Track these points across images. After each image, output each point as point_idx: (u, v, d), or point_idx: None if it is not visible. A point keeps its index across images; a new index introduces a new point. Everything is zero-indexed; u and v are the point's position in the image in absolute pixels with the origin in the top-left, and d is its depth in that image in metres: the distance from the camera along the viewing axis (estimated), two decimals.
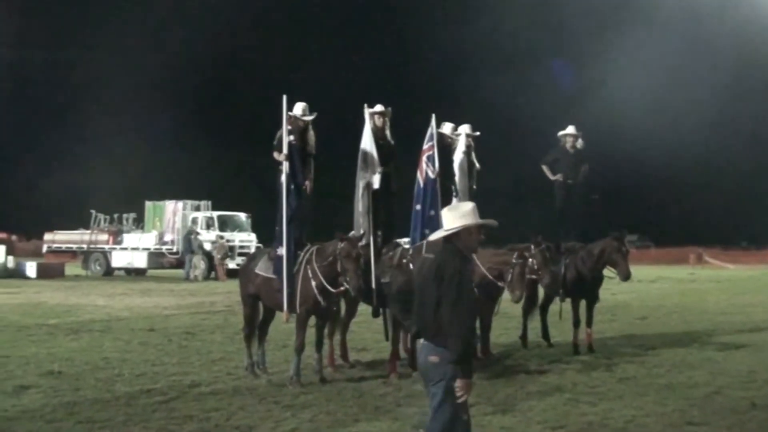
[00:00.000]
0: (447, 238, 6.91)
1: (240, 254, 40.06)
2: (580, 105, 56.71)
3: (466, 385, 6.49)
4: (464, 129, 15.33)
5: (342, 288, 11.91)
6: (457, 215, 6.94)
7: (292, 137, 12.64)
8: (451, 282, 6.58)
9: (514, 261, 12.94)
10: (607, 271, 15.44)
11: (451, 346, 6.46)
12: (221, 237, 41.16)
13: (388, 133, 13.93)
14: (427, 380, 6.80)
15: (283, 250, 12.23)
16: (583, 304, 15.51)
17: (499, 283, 13.14)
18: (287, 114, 12.69)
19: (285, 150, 12.50)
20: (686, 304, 26.07)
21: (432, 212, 13.67)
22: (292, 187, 12.46)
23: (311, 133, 13.25)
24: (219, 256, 40.44)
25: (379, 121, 13.81)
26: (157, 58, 74.57)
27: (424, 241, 12.60)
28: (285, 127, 12.60)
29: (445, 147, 14.74)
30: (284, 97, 12.61)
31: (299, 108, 13.06)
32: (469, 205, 7.13)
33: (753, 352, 15.23)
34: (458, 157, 15.01)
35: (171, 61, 73.71)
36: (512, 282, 12.90)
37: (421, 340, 6.88)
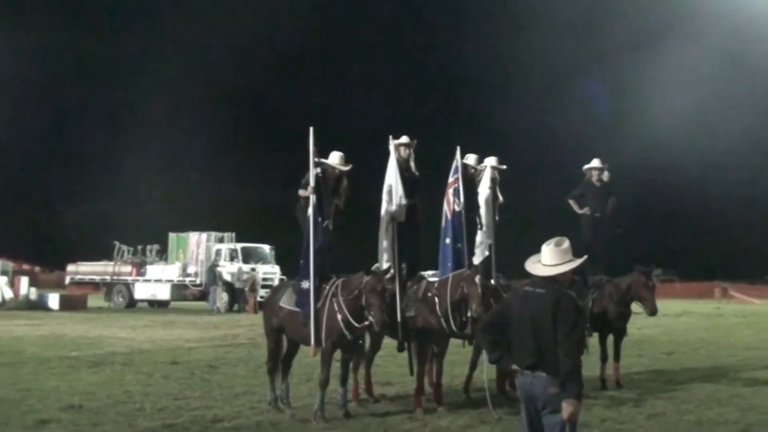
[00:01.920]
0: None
1: (263, 286, 40.07)
2: (615, 131, 56.54)
3: (573, 405, 6.92)
4: (490, 161, 15.24)
5: (367, 322, 11.79)
6: (560, 252, 7.36)
7: (319, 170, 12.56)
8: (569, 316, 7.08)
9: None
10: (634, 306, 15.34)
11: (565, 371, 6.96)
12: (253, 269, 41.19)
13: (412, 164, 13.84)
14: (540, 409, 7.16)
15: (308, 284, 12.14)
16: (610, 338, 15.39)
17: None
18: (319, 162, 12.61)
19: (312, 182, 12.42)
20: (713, 338, 25.81)
21: (459, 245, 13.59)
22: (319, 220, 12.37)
23: (345, 184, 13.21)
24: (248, 288, 40.44)
25: (404, 153, 13.72)
26: (185, 90, 75.01)
27: (471, 274, 12.46)
28: (312, 159, 12.52)
29: (469, 178, 14.66)
30: (311, 129, 12.54)
31: (336, 157, 13.05)
32: (566, 242, 7.45)
33: None
34: (483, 190, 14.89)
35: (197, 92, 74.10)
36: None
37: (528, 372, 7.19)
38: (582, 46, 71.47)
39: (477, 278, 12.27)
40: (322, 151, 12.77)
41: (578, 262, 7.44)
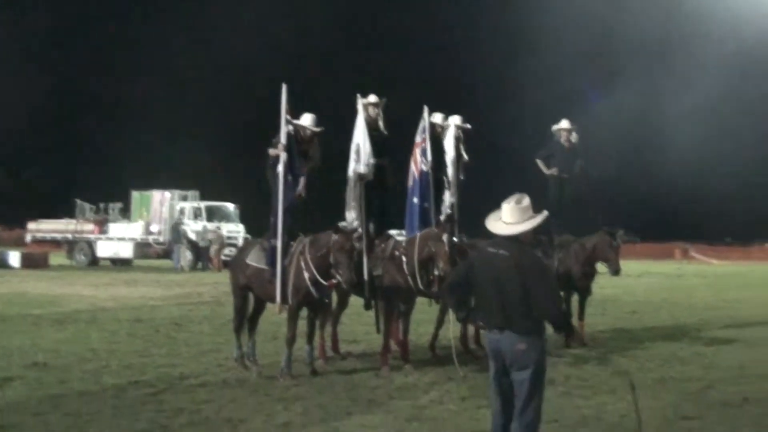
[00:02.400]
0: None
1: (227, 245, 40.02)
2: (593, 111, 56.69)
3: (577, 336, 7.48)
4: (454, 120, 15.20)
5: (334, 281, 11.81)
6: (520, 210, 7.34)
7: (290, 127, 12.50)
8: (540, 276, 7.20)
9: None
10: (599, 266, 15.48)
11: (557, 323, 7.38)
12: (218, 227, 41.09)
13: (381, 124, 13.79)
14: (509, 366, 7.21)
15: (276, 241, 12.12)
16: (575, 297, 15.54)
17: None
18: (286, 105, 12.53)
19: (283, 139, 12.35)
20: (674, 299, 26.15)
21: (426, 205, 13.61)
22: (289, 178, 12.33)
23: (317, 146, 13.14)
24: (216, 247, 40.32)
25: (373, 112, 13.67)
26: (148, 49, 74.19)
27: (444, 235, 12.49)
28: (283, 116, 12.45)
29: (436, 137, 14.63)
30: (284, 86, 12.47)
31: (307, 119, 12.95)
32: (526, 199, 7.41)
33: (743, 347, 15.22)
34: (449, 149, 14.88)
35: (163, 48, 73.28)
36: None
37: (496, 331, 7.23)
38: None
39: (444, 237, 12.31)
40: (290, 110, 12.68)
41: (539, 219, 7.39)
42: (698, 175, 73.07)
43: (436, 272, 12.35)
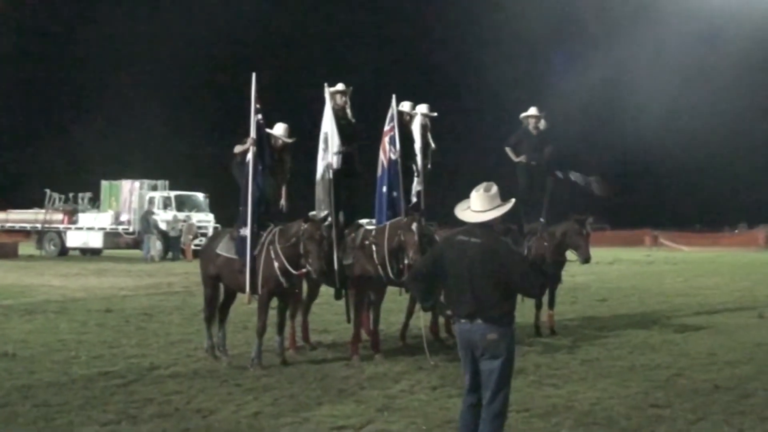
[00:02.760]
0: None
1: (198, 234, 39.97)
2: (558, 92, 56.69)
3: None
4: (421, 108, 15.17)
5: (304, 270, 11.79)
6: (489, 197, 7.34)
7: (260, 116, 12.47)
8: (516, 261, 7.31)
9: None
10: (568, 253, 15.48)
11: (540, 296, 8.01)
12: (188, 217, 40.98)
13: (349, 112, 13.77)
14: (479, 355, 7.20)
15: (246, 231, 12.09)
16: None
17: None
18: (256, 94, 12.51)
19: (252, 130, 12.32)
20: (644, 286, 26.27)
21: (395, 193, 13.59)
22: (259, 167, 12.31)
23: (288, 157, 13.15)
24: (190, 236, 40.19)
25: (340, 100, 13.66)
26: (116, 39, 73.77)
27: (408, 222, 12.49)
28: (254, 105, 12.42)
29: (405, 126, 14.61)
30: (254, 75, 12.45)
31: (280, 129, 12.95)
32: (494, 187, 7.42)
33: (712, 334, 15.31)
34: (416, 136, 14.86)
35: (131, 39, 72.87)
36: None
37: (466, 320, 7.22)
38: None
39: (414, 226, 12.29)
40: (259, 99, 12.64)
41: (508, 206, 7.41)
42: (667, 161, 73.59)
43: (405, 261, 12.34)
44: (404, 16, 78.02)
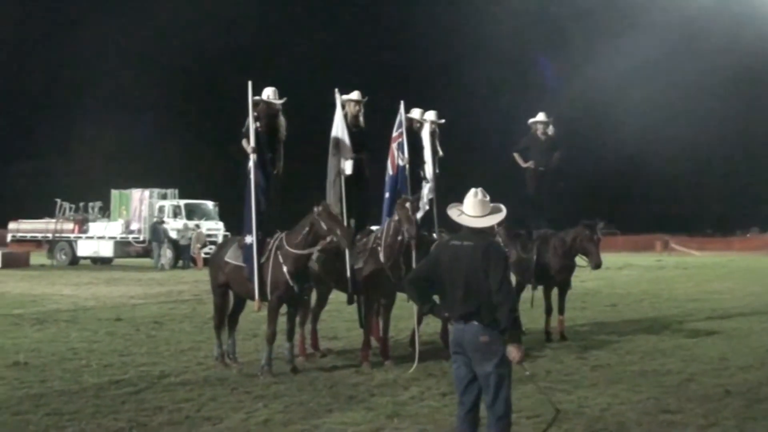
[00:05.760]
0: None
1: (208, 243, 40.02)
2: (561, 97, 56.76)
3: (519, 349, 7.07)
4: (429, 116, 15.20)
5: (329, 240, 11.79)
6: (483, 204, 7.48)
7: (258, 124, 12.51)
8: (499, 265, 7.21)
9: None
10: (578, 259, 15.45)
11: (504, 318, 7.05)
12: (197, 225, 41.03)
13: (361, 119, 13.80)
14: (474, 359, 7.21)
15: (251, 238, 12.11)
16: (554, 291, 15.53)
17: None
18: (253, 100, 12.55)
19: (252, 139, 12.36)
20: (655, 291, 26.20)
21: None
22: (261, 175, 12.34)
23: (281, 119, 13.04)
24: (199, 245, 40.23)
25: (354, 109, 13.69)
26: (129, 51, 73.97)
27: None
28: (251, 113, 12.45)
29: (415, 133, 14.65)
30: (249, 83, 12.49)
31: (269, 92, 12.88)
32: (485, 193, 7.56)
33: (724, 339, 15.27)
34: (425, 144, 14.90)
35: (138, 49, 73.06)
36: None
37: (461, 322, 7.28)
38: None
39: (407, 204, 12.34)
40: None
41: (503, 214, 7.59)
42: (678, 165, 73.45)
43: (399, 238, 12.36)
44: (419, 28, 78.13)
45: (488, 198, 7.52)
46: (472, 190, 7.53)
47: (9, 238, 47.99)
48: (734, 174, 75.60)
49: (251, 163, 12.36)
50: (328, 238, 11.73)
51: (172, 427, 9.08)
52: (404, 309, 14.52)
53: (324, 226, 11.65)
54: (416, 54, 75.12)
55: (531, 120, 17.01)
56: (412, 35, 75.94)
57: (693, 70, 67.22)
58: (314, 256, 12.29)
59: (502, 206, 7.63)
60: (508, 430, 7.29)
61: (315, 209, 11.77)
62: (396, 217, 12.42)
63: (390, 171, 13.90)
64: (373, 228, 13.85)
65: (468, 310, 7.21)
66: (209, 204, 44.27)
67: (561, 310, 15.45)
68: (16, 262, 40.15)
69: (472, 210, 7.46)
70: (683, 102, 67.58)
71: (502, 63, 69.83)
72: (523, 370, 7.34)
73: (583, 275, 19.84)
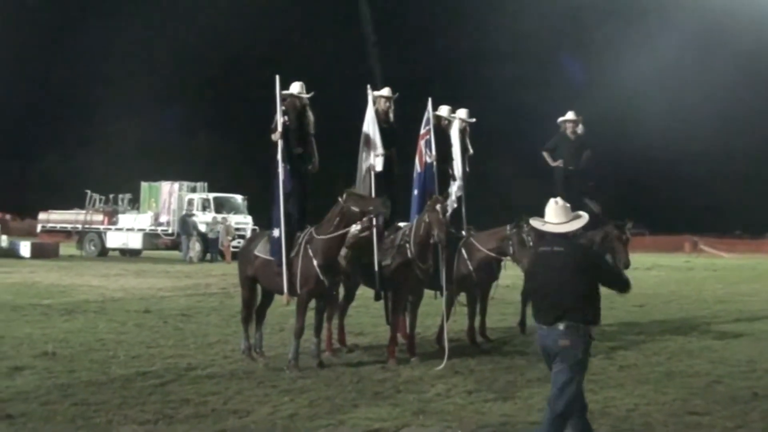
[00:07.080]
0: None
1: (237, 236, 40.15)
2: (588, 97, 56.48)
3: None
4: (461, 113, 15.22)
5: (371, 212, 11.92)
6: (564, 210, 7.91)
7: (286, 117, 12.54)
8: (598, 261, 8.23)
9: (508, 232, 13.10)
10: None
11: (629, 289, 8.18)
12: (224, 218, 41.16)
13: (392, 116, 13.82)
14: (552, 360, 7.62)
15: (279, 232, 12.13)
16: None
17: (503, 259, 13.57)
18: (281, 94, 12.58)
19: (279, 129, 12.38)
20: (683, 292, 26.06)
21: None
22: (288, 167, 12.36)
23: (310, 114, 13.07)
24: (230, 238, 40.34)
25: (384, 105, 13.72)
26: (158, 43, 74.23)
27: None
28: (279, 107, 12.48)
29: (443, 130, 14.66)
30: (277, 77, 12.53)
31: (297, 87, 12.91)
32: (564, 202, 8.03)
33: (752, 341, 15.17)
34: (454, 142, 14.89)
35: (168, 44, 73.29)
36: (515, 252, 13.13)
37: (545, 327, 7.64)
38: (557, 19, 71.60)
39: (437, 206, 12.33)
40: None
41: (585, 219, 8.00)
42: (708, 166, 72.92)
43: (431, 240, 12.35)
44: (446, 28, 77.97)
45: (565, 204, 7.94)
46: (552, 200, 7.96)
47: (39, 228, 48.34)
48: (764, 175, 74.91)
49: (279, 156, 12.39)
50: (365, 219, 11.85)
51: (198, 420, 9.11)
52: (431, 306, 14.53)
53: (356, 208, 11.70)
54: (443, 52, 75.21)
55: (560, 119, 16.93)
56: (442, 30, 76.08)
57: (723, 70, 66.83)
58: (343, 252, 12.27)
59: (583, 213, 8.04)
60: (563, 429, 7.53)
61: (340, 199, 11.83)
62: (426, 219, 12.39)
63: (418, 168, 13.89)
64: (401, 224, 13.85)
65: (560, 312, 7.53)
66: (238, 198, 44.38)
67: None
68: (46, 252, 40.37)
69: (555, 217, 7.88)
70: (713, 102, 66.99)
71: (527, 62, 69.69)
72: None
73: None
